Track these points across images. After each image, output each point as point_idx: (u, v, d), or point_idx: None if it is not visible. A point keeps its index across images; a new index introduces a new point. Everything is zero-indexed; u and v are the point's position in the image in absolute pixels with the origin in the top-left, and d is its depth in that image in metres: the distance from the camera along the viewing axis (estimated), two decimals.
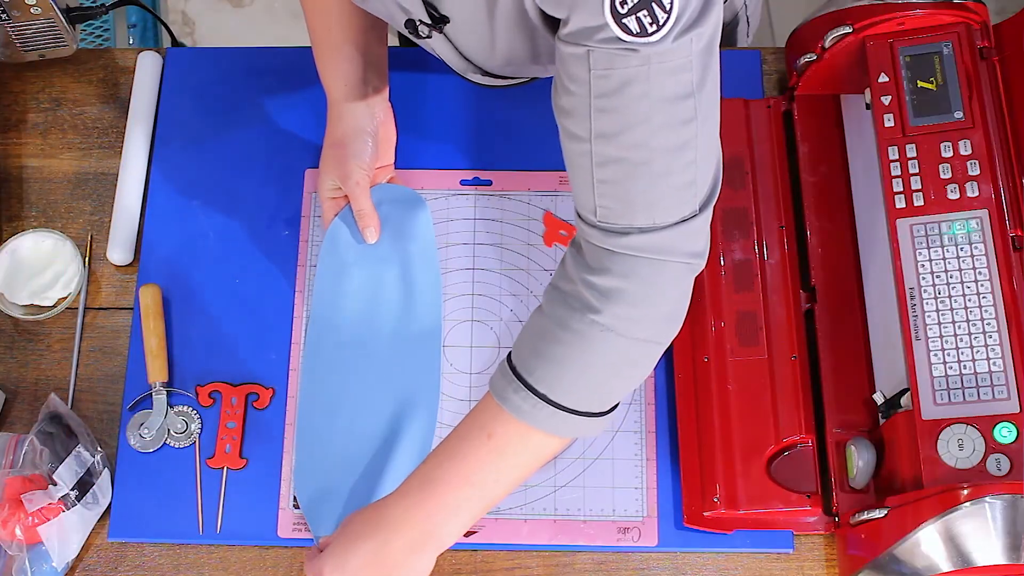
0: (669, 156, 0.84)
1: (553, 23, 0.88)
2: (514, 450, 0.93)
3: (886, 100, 1.08)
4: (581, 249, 0.91)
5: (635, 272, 0.87)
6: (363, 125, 1.15)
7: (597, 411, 0.92)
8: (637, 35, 0.79)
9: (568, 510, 1.09)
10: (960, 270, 1.01)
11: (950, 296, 1.00)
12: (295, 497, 1.10)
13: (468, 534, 1.08)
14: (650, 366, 0.93)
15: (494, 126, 1.23)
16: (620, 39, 0.79)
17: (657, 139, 0.83)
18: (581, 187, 0.88)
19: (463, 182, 1.21)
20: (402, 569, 0.95)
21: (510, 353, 0.93)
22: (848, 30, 1.10)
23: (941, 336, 0.99)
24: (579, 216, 0.90)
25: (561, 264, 0.92)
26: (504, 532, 1.09)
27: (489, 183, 1.21)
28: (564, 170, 1.19)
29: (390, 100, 1.18)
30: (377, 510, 0.96)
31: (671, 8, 0.78)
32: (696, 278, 0.92)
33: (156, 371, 1.13)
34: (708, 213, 0.88)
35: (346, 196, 1.15)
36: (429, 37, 1.01)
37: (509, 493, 0.97)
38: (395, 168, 1.19)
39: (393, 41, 1.62)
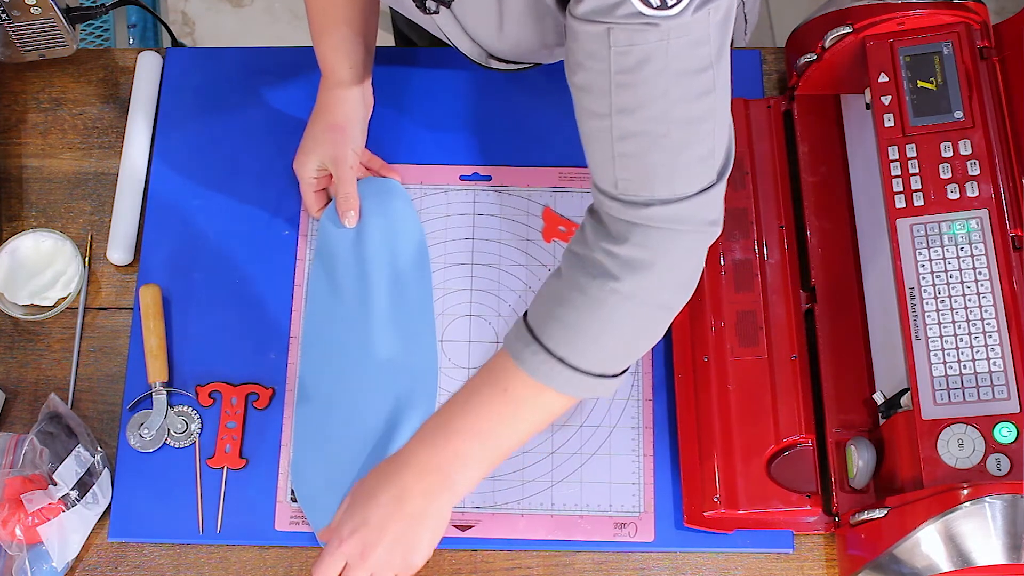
0: (689, 128, 0.85)
1: (563, 0, 0.88)
2: (529, 407, 0.96)
3: (886, 100, 1.08)
4: (600, 217, 0.91)
5: (655, 242, 0.88)
6: (360, 110, 1.16)
7: (611, 373, 0.94)
8: (658, 8, 0.79)
9: (565, 505, 1.10)
10: (960, 270, 1.01)
11: (950, 296, 1.00)
12: (293, 490, 1.10)
13: (465, 528, 1.08)
14: (663, 330, 0.95)
15: (494, 122, 1.24)
16: (641, 13, 0.80)
17: (677, 112, 0.84)
18: (600, 161, 0.88)
19: (462, 177, 1.21)
20: (423, 518, 0.96)
21: (526, 314, 0.95)
22: (848, 30, 1.10)
23: (941, 336, 0.99)
24: (597, 188, 0.91)
25: (580, 230, 0.93)
26: (501, 526, 1.09)
27: (488, 179, 1.21)
28: (563, 166, 1.21)
29: (389, 97, 1.18)
30: (391, 463, 0.98)
31: None
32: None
33: (156, 371, 1.13)
34: (724, 182, 0.89)
35: (328, 178, 1.16)
36: (436, 12, 1.01)
37: (521, 445, 0.99)
38: (395, 164, 1.21)
39: (390, 41, 1.62)
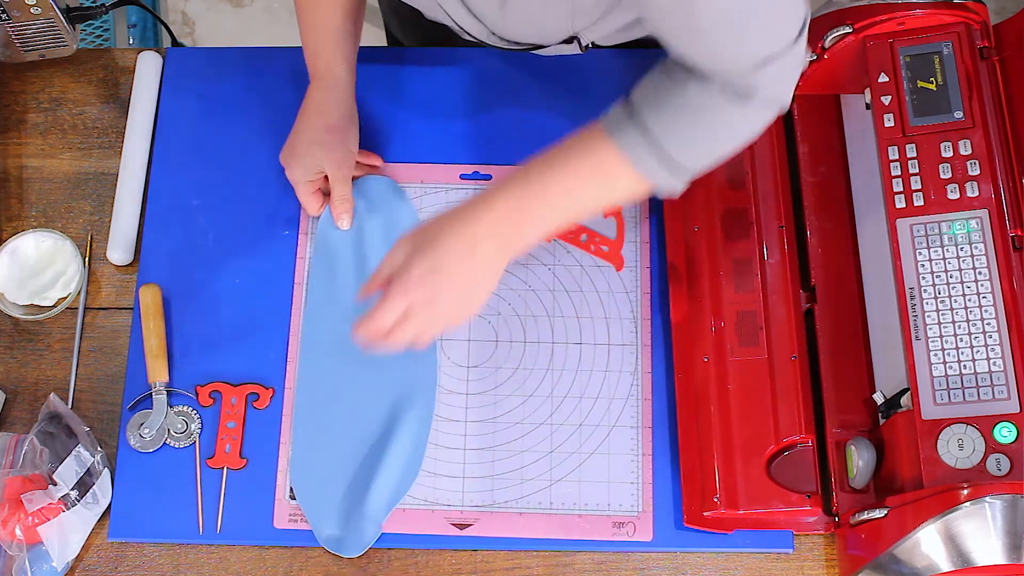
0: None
1: None
2: (619, 186, 0.98)
3: (886, 100, 1.08)
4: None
5: (773, 84, 0.94)
6: (353, 111, 1.16)
7: (692, 170, 0.98)
8: None
9: (564, 504, 1.10)
10: (960, 270, 1.01)
11: (950, 296, 1.00)
12: (291, 488, 1.10)
13: (463, 527, 1.08)
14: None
15: (494, 121, 1.23)
16: None
17: None
18: (714, 55, 0.92)
19: (463, 176, 1.21)
20: (487, 268, 0.97)
21: (628, 98, 0.96)
22: (848, 30, 1.11)
23: (941, 336, 0.99)
24: (710, 70, 0.93)
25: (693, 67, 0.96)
26: (500, 525, 1.09)
27: (489, 177, 1.21)
28: None
29: (390, 96, 1.18)
30: (463, 210, 0.98)
31: None
32: (696, 278, 0.93)
33: (156, 371, 1.13)
34: (807, 22, 0.93)
35: (323, 179, 1.16)
36: None
37: (583, 218, 1.01)
38: (395, 163, 1.21)
39: (384, 43, 1.62)
